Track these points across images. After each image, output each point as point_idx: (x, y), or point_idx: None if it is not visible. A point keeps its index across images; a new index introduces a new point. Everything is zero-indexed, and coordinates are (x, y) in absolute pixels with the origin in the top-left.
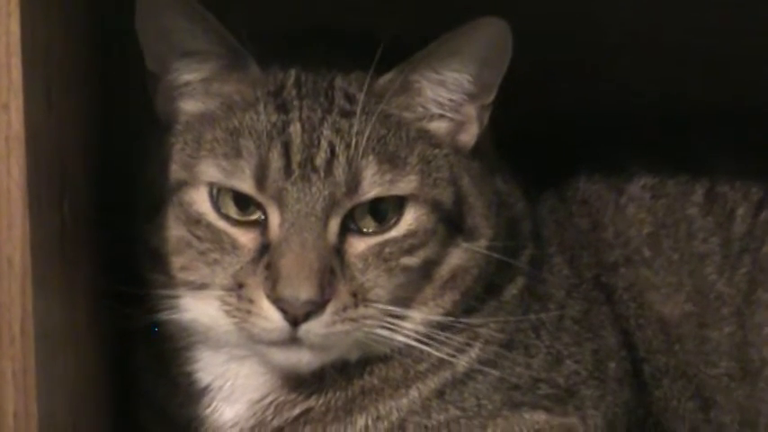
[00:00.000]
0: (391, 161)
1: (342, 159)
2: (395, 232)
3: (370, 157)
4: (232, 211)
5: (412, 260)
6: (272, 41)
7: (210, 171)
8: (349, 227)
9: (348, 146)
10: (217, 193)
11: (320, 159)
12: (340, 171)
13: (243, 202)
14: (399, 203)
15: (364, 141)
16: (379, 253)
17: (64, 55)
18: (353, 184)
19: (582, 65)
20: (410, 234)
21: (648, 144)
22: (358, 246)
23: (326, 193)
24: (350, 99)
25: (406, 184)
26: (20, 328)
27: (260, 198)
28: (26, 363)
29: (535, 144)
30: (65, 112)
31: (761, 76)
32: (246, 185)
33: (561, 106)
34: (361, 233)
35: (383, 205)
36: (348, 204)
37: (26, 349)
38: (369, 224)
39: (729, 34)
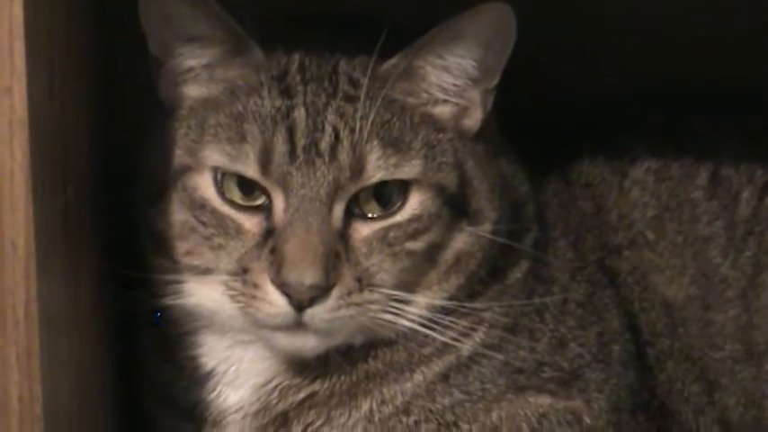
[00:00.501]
0: (395, 145)
1: (346, 144)
2: (399, 217)
3: (375, 142)
4: (236, 196)
5: (416, 244)
6: (276, 26)
7: (215, 156)
8: (353, 212)
9: (352, 131)
10: (221, 178)
11: (324, 144)
12: (344, 156)
13: (247, 186)
14: (403, 188)
15: (368, 126)
16: (383, 237)
17: (67, 39)
18: (357, 169)
19: (582, 49)
20: (414, 218)
21: (652, 127)
22: (362, 230)
23: (331, 177)
24: (354, 84)
25: (411, 168)
26: (24, 312)
27: (264, 183)
28: (30, 346)
29: (539, 127)
30: (68, 96)
31: (763, 58)
32: (251, 170)
33: (563, 90)
34: (365, 218)
35: (387, 189)
36: (352, 189)
37: (30, 333)
38: (373, 209)
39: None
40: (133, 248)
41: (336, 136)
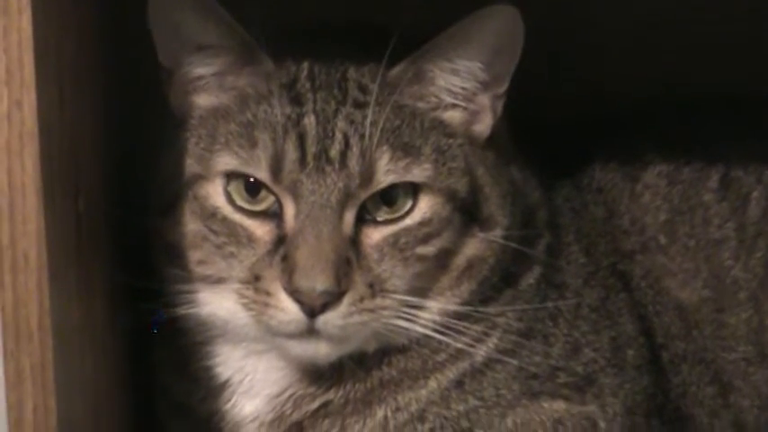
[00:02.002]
0: (405, 150)
1: (356, 150)
2: (410, 221)
3: (384, 148)
4: (242, 198)
5: (428, 249)
6: (284, 34)
7: (226, 160)
8: (364, 218)
9: (362, 137)
10: (227, 183)
11: (334, 151)
12: (354, 162)
13: (253, 189)
14: (413, 191)
15: (378, 132)
16: (394, 243)
17: (76, 51)
18: (368, 175)
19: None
20: (425, 223)
21: (662, 131)
22: (373, 236)
23: (341, 184)
24: (363, 90)
25: (421, 172)
26: (37, 324)
27: (275, 189)
28: (44, 358)
29: (549, 131)
30: (78, 107)
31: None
32: (262, 174)
33: (572, 95)
34: (376, 223)
35: (395, 191)
36: (363, 195)
37: (44, 345)
38: (383, 212)
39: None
40: (146, 259)
41: (346, 143)
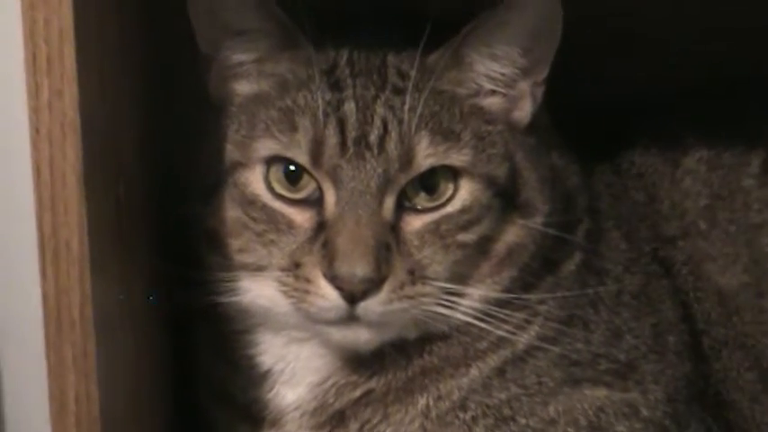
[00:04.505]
0: (444, 135)
1: (394, 136)
2: (450, 208)
3: (423, 132)
4: (282, 186)
5: (468, 236)
6: (322, 19)
7: (267, 144)
8: (404, 205)
9: (401, 122)
10: (267, 171)
11: (374, 136)
12: (392, 147)
13: (293, 176)
14: (453, 178)
15: (417, 118)
16: (435, 230)
17: (117, 39)
18: (407, 160)
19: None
20: (465, 209)
21: (702, 115)
22: (414, 223)
23: (380, 170)
24: (402, 76)
25: (460, 157)
26: (79, 313)
27: (316, 174)
28: (86, 347)
29: (589, 117)
30: (119, 96)
31: None
32: (303, 159)
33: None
34: (416, 210)
35: (435, 178)
36: (402, 180)
37: (85, 333)
38: (422, 199)
39: None
40: (187, 246)
41: (385, 128)
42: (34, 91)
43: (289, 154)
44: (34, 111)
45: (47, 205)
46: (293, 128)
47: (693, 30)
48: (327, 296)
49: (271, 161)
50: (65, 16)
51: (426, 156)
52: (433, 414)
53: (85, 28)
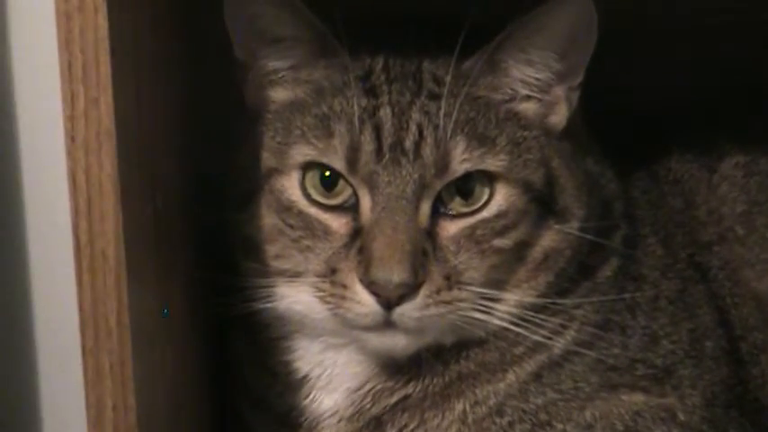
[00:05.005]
0: (480, 140)
1: (430, 141)
2: (486, 213)
3: (459, 138)
4: (318, 192)
5: (504, 242)
6: (357, 26)
7: (303, 151)
8: (440, 210)
9: (436, 128)
10: (303, 177)
11: (409, 142)
12: (428, 152)
13: (329, 183)
14: (489, 183)
15: (452, 123)
16: (471, 235)
17: (153, 48)
18: (443, 165)
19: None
20: (501, 215)
21: (739, 121)
22: (450, 228)
23: (416, 176)
24: (438, 82)
25: (496, 162)
26: (116, 321)
27: (352, 180)
28: (123, 355)
29: (625, 122)
30: (155, 104)
31: None
32: (339, 165)
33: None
34: (452, 215)
35: (471, 183)
36: (438, 186)
37: (123, 342)
38: (458, 205)
39: None
40: (223, 253)
41: (421, 134)
42: (70, 99)
43: (325, 160)
44: (70, 119)
45: (83, 214)
46: (329, 134)
47: None
48: (364, 302)
49: (307, 167)
50: (100, 25)
51: (462, 161)
52: (470, 419)
53: (121, 37)
